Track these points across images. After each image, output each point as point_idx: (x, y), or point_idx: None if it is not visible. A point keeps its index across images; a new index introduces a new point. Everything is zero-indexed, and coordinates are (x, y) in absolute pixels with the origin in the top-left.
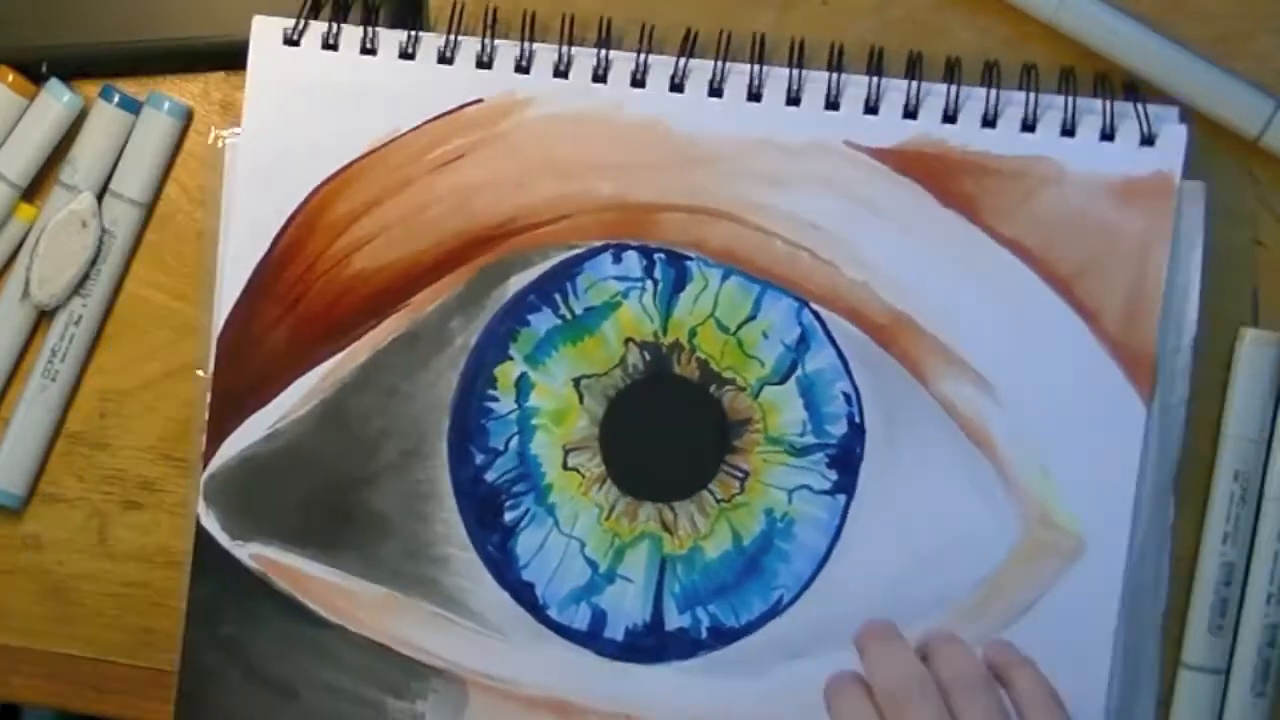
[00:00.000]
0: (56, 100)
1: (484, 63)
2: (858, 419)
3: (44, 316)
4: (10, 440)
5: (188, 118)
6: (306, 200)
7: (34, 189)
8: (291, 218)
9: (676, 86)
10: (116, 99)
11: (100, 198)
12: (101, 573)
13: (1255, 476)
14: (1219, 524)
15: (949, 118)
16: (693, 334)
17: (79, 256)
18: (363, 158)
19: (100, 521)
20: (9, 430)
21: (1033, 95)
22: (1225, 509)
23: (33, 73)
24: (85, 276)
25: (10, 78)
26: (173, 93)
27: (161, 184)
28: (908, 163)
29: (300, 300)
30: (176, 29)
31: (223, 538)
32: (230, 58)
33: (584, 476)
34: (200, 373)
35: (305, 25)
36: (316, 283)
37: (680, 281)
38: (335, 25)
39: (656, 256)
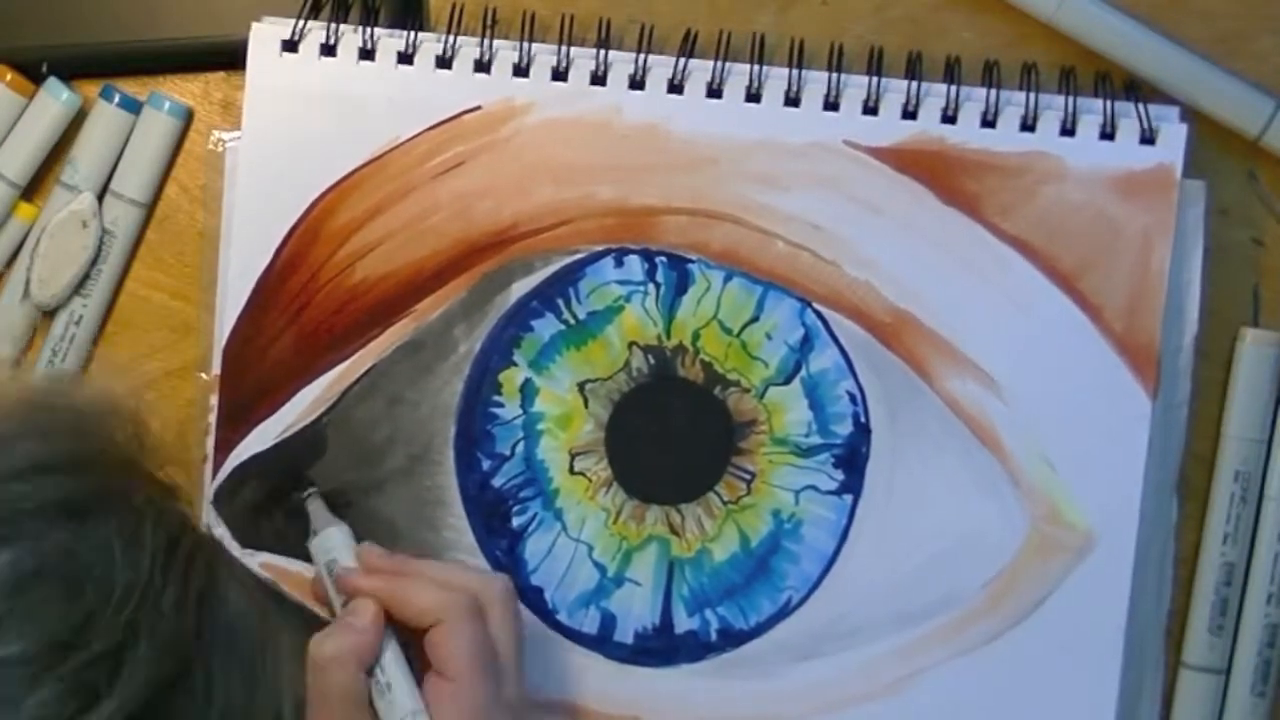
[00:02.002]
0: (55, 99)
1: (483, 66)
2: (863, 418)
3: (44, 316)
4: None
5: (188, 118)
6: (308, 210)
7: (34, 189)
8: (293, 227)
9: (676, 87)
10: (117, 99)
11: (100, 198)
12: None
13: (1256, 477)
14: (1219, 524)
15: (949, 118)
16: (696, 336)
17: (79, 257)
18: (363, 166)
19: None
20: None
21: (1033, 95)
22: (1226, 509)
23: (33, 72)
24: (85, 276)
25: (9, 77)
26: (173, 93)
27: (162, 184)
28: (908, 161)
29: (304, 310)
30: (176, 29)
31: (233, 547)
32: (230, 57)
33: (590, 480)
34: (202, 375)
35: (305, 28)
36: (320, 292)
37: (683, 284)
38: (335, 26)
39: (658, 260)
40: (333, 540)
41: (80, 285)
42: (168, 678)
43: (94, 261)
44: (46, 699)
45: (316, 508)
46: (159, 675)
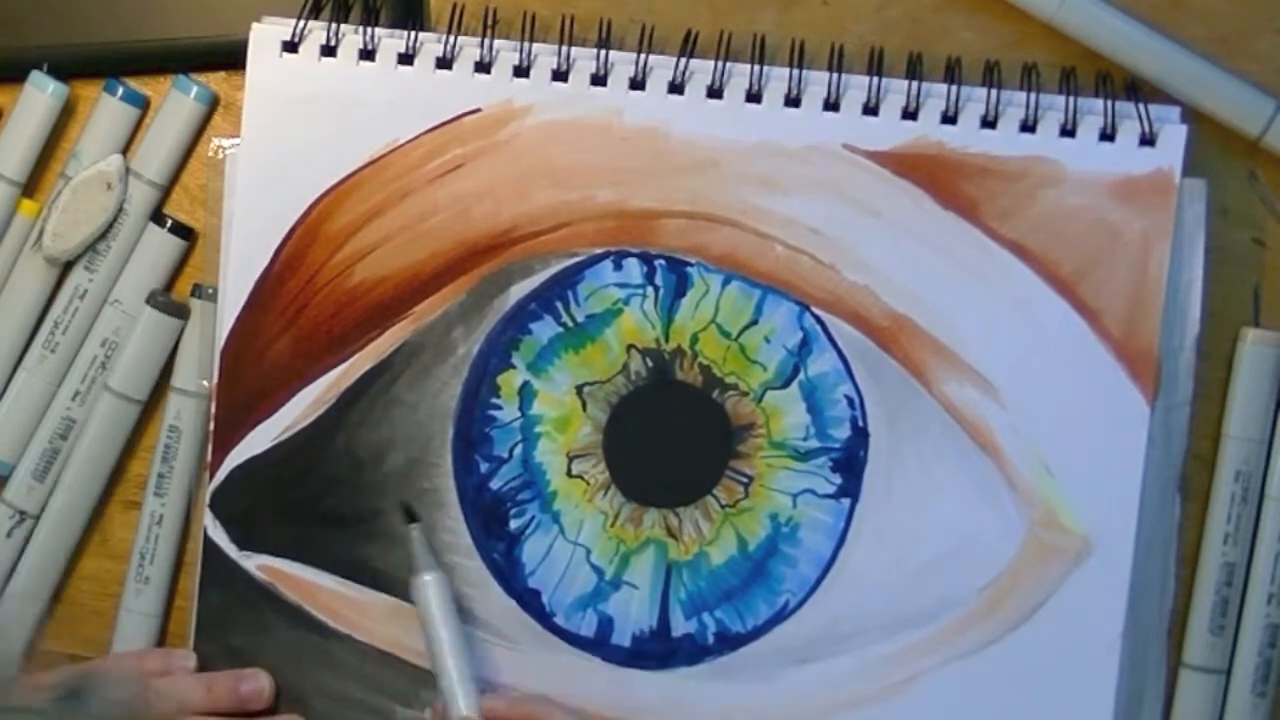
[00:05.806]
0: (41, 91)
1: (483, 66)
2: (861, 422)
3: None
4: (5, 409)
5: (213, 104)
6: (307, 212)
7: (36, 186)
8: (292, 230)
9: (676, 88)
10: (120, 92)
11: None
12: (101, 573)
13: (1256, 477)
14: (1220, 524)
15: (949, 119)
16: (694, 339)
17: (98, 217)
18: (362, 169)
19: (100, 521)
20: (4, 399)
21: (1033, 95)
22: (1226, 509)
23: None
24: (100, 237)
25: None
26: None
27: (179, 171)
28: (907, 165)
29: (302, 312)
30: (176, 29)
31: (230, 549)
32: (230, 57)
33: (588, 483)
34: (204, 381)
35: (305, 28)
36: (318, 294)
37: (681, 287)
38: (335, 27)
39: (657, 263)
40: (431, 600)
41: (93, 245)
42: None
43: (111, 224)
44: None
45: (420, 545)
46: None
